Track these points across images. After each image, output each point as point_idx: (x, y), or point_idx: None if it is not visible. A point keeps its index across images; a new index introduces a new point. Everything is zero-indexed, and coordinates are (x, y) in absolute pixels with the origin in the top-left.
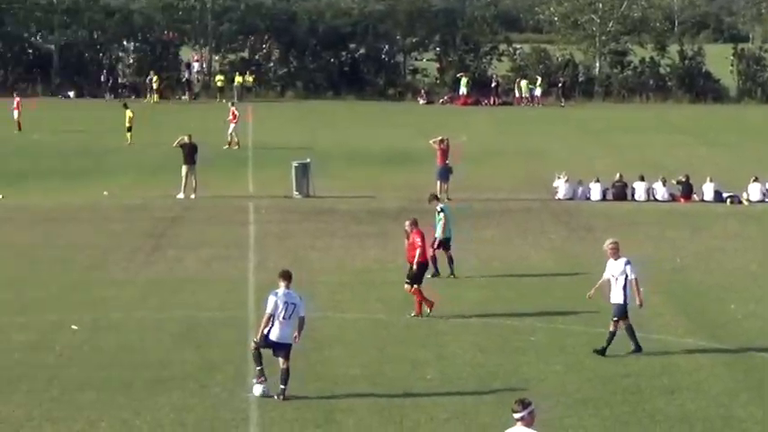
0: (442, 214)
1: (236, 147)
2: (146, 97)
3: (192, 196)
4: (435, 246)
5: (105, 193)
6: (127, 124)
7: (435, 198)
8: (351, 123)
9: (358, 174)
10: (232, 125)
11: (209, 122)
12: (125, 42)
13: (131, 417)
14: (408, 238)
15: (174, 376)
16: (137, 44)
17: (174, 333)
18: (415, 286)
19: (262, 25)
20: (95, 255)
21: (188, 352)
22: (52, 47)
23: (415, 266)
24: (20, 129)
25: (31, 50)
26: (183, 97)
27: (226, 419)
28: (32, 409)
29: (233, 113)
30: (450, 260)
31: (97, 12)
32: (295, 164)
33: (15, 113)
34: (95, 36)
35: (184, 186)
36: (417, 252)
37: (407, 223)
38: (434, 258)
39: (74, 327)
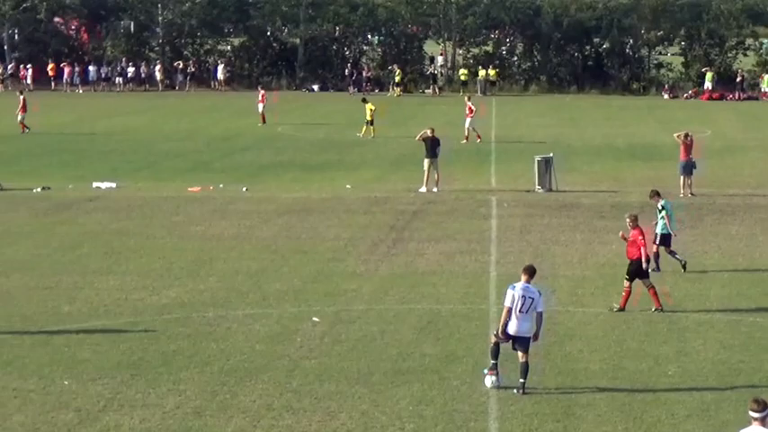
0: (663, 211)
1: (478, 140)
2: (389, 91)
3: (435, 189)
4: (657, 242)
5: (348, 186)
6: (368, 118)
7: (657, 194)
8: (594, 118)
9: (601, 168)
10: (468, 119)
11: (452, 116)
12: (369, 36)
13: (370, 408)
14: (628, 234)
15: (413, 368)
16: (381, 38)
17: (415, 325)
18: (643, 281)
19: (506, 19)
20: (337, 247)
21: (428, 344)
22: (297, 41)
23: (644, 262)
24: (264, 121)
25: (276, 44)
26: (426, 91)
27: (464, 412)
28: (273, 400)
29: (469, 108)
30: (673, 254)
31: (342, 5)
32: (538, 158)
33: (260, 106)
34: (340, 30)
35: (426, 180)
36: (642, 249)
37: (628, 220)
38: (657, 255)
39: (315, 319)
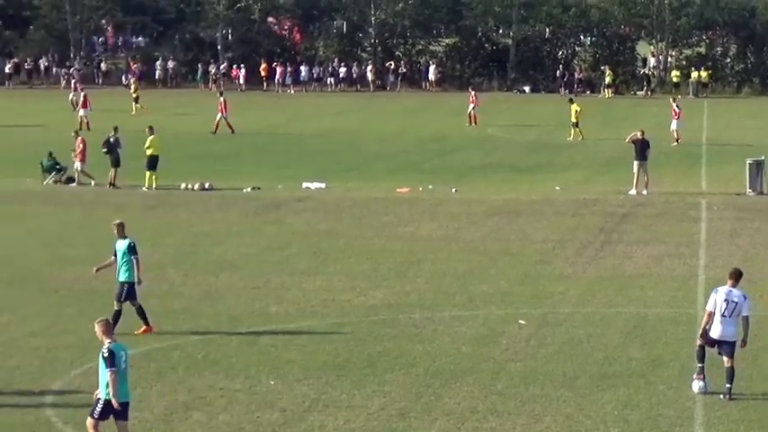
0: None
1: (678, 142)
2: (600, 92)
3: (644, 192)
4: None
5: (557, 187)
6: (573, 119)
7: None
8: None
9: None
10: (674, 121)
11: (662, 118)
12: (582, 37)
13: (575, 412)
14: None
15: (619, 372)
16: (593, 39)
17: (621, 329)
18: None
19: (720, 20)
20: (545, 249)
21: (634, 348)
22: (509, 41)
23: None
24: (474, 122)
25: (487, 45)
26: (638, 93)
27: (670, 417)
28: (478, 403)
29: (674, 110)
30: None
31: (555, 6)
32: (749, 161)
33: (470, 107)
34: (551, 30)
35: (636, 182)
36: None
37: None
38: None
39: (521, 321)
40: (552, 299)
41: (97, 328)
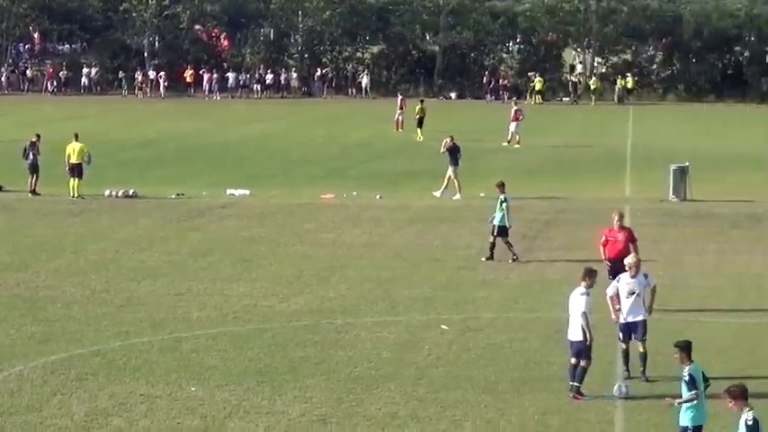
0: None
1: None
2: (527, 99)
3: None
4: None
5: (482, 194)
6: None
7: None
8: (731, 127)
9: (737, 178)
10: (513, 123)
11: (587, 125)
12: (510, 44)
13: (496, 417)
14: None
15: (540, 377)
16: (520, 46)
17: (543, 334)
18: None
19: (647, 28)
20: (468, 255)
21: (555, 353)
22: (436, 48)
23: None
24: (401, 128)
25: (414, 52)
26: (564, 99)
27: (590, 422)
28: (398, 408)
29: (514, 112)
30: None
31: (483, 14)
32: (673, 167)
33: (397, 113)
34: (479, 38)
35: (459, 187)
36: None
37: None
38: None
39: (443, 327)
40: (475, 304)
41: None
